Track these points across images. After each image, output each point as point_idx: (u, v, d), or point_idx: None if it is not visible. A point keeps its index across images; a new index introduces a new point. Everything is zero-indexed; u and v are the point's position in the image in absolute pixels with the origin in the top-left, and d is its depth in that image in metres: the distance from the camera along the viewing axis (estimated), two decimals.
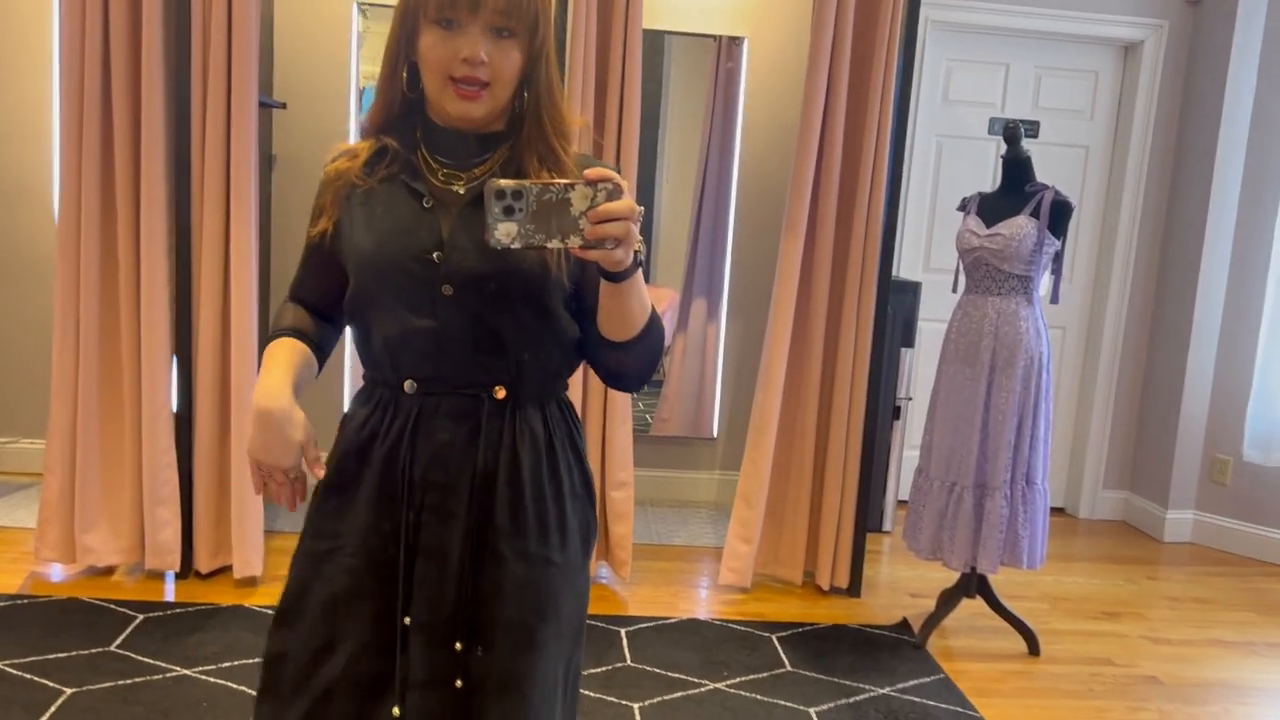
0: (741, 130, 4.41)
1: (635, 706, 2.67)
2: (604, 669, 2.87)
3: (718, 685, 2.83)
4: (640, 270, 1.18)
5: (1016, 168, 3.12)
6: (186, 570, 3.29)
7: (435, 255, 1.26)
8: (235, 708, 2.52)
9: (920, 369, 4.52)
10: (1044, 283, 3.14)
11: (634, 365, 1.30)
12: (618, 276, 1.15)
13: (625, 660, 2.94)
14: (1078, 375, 4.86)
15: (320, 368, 1.43)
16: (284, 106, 4.07)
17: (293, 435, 1.28)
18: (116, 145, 3.10)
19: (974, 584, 3.23)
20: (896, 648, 3.17)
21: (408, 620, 1.29)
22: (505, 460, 1.30)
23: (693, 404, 4.58)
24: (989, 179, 4.58)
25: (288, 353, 1.35)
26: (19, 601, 3.04)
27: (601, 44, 3.30)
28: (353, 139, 4.11)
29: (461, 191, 1.29)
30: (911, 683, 2.93)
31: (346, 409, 1.41)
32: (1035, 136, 4.60)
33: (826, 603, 3.50)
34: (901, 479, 4.38)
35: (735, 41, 4.36)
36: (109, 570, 3.32)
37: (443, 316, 1.27)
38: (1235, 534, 4.47)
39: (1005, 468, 3.04)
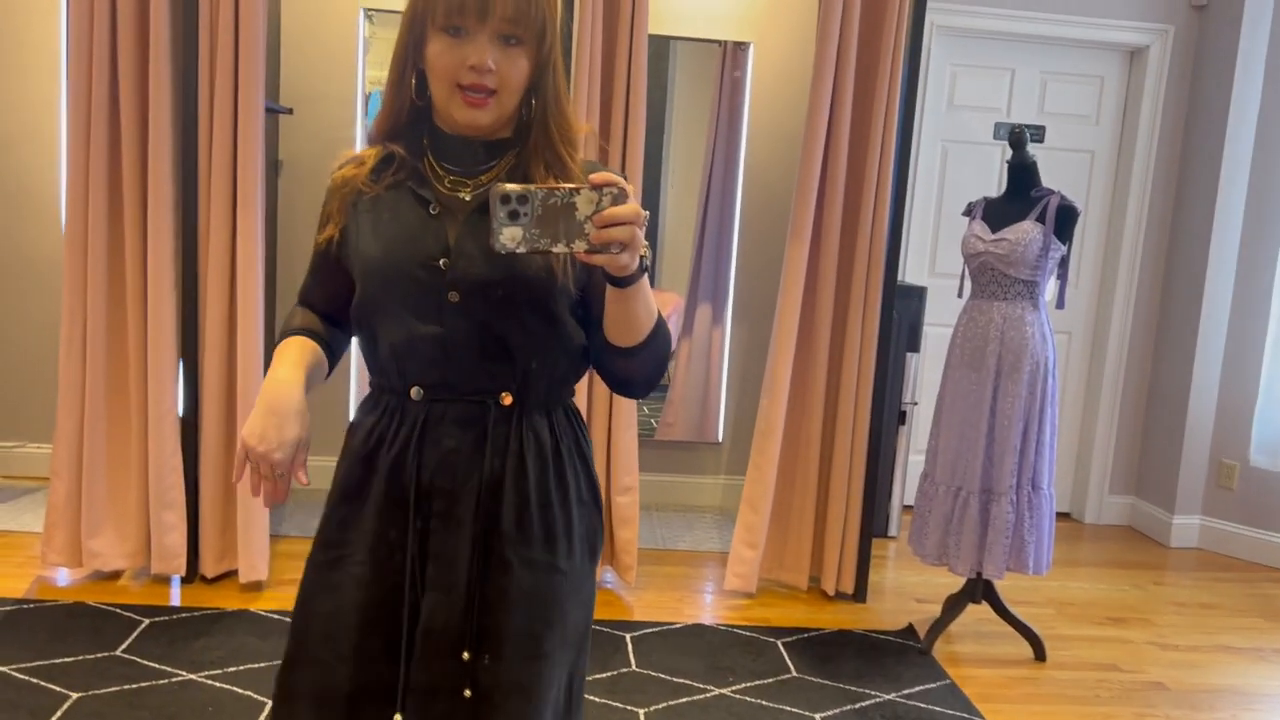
0: (747, 136, 4.42)
1: (640, 712, 2.67)
2: (609, 674, 2.87)
3: (723, 691, 2.83)
4: (646, 275, 1.18)
5: (1022, 173, 3.12)
6: (192, 575, 3.29)
7: (442, 262, 1.26)
8: (241, 712, 2.53)
9: (925, 374, 4.51)
10: (1050, 288, 3.13)
11: (640, 371, 1.30)
12: (623, 282, 1.15)
13: (630, 665, 2.94)
14: (1083, 380, 4.85)
15: (330, 370, 1.42)
16: (290, 112, 4.08)
17: (292, 429, 1.26)
18: (123, 150, 3.11)
19: (980, 589, 3.23)
20: (902, 653, 3.16)
21: (416, 629, 1.29)
22: (512, 467, 1.30)
23: (698, 409, 4.58)
24: (994, 184, 4.58)
25: (298, 350, 1.34)
26: (25, 606, 3.04)
27: (607, 50, 3.31)
28: (359, 144, 4.13)
29: (468, 198, 1.29)
30: (917, 688, 2.92)
31: (353, 417, 1.41)
32: (1041, 141, 4.59)
33: (832, 608, 3.50)
34: (907, 484, 4.38)
35: (741, 47, 4.37)
36: (115, 575, 3.32)
37: (449, 323, 1.27)
38: (1242, 539, 4.46)
39: (1011, 473, 3.03)
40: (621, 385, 1.35)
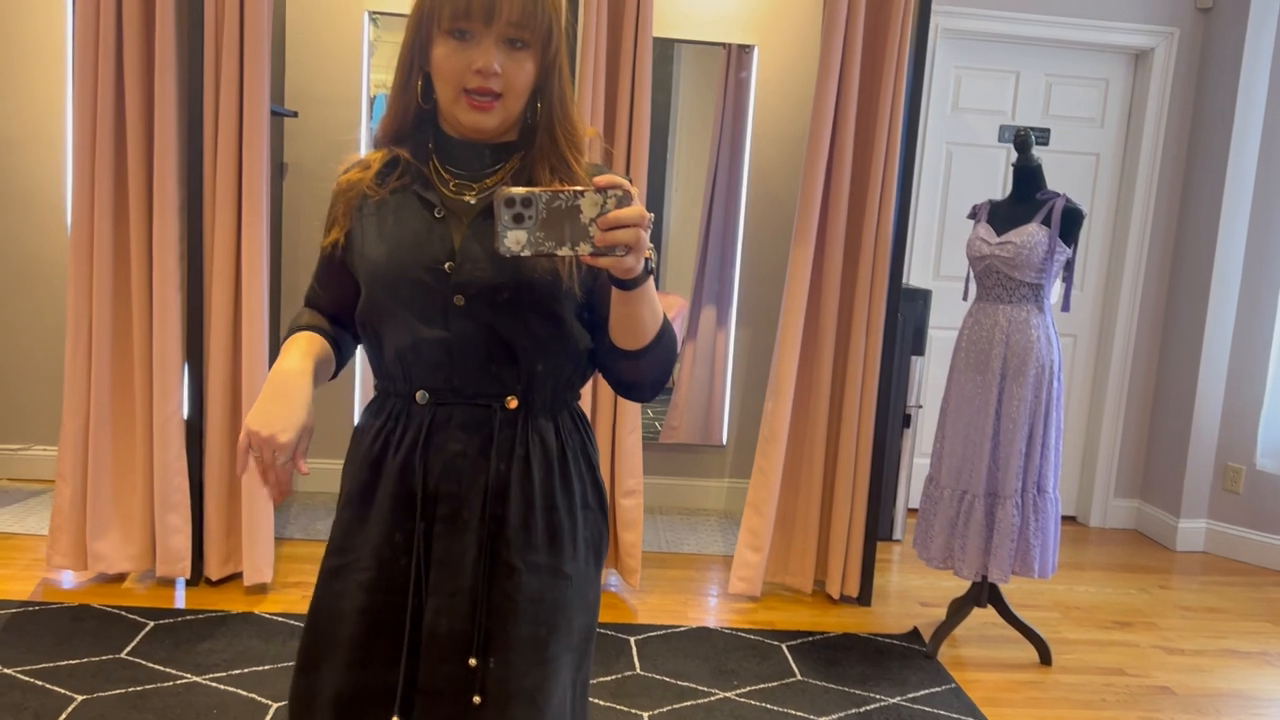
0: (751, 138, 4.41)
1: (645, 715, 2.67)
2: (613, 677, 2.87)
3: (727, 694, 2.82)
4: (651, 278, 1.18)
5: (1027, 175, 3.12)
6: (197, 577, 3.30)
7: (447, 265, 1.26)
8: (245, 715, 2.53)
9: (930, 377, 4.51)
10: (1055, 290, 3.13)
11: (646, 374, 1.30)
12: (629, 284, 1.15)
13: (635, 669, 2.94)
14: (1089, 383, 4.84)
15: (337, 371, 1.42)
16: (295, 115, 4.09)
17: (298, 413, 1.24)
18: (129, 153, 3.11)
19: (985, 593, 3.22)
20: (907, 657, 3.15)
21: (420, 634, 1.29)
22: (517, 471, 1.30)
23: (702, 412, 4.57)
24: (999, 187, 4.57)
25: (305, 343, 1.34)
26: (30, 608, 3.05)
27: (612, 52, 3.31)
28: (364, 147, 4.13)
29: (473, 201, 1.29)
30: (922, 692, 2.92)
31: (358, 421, 1.41)
32: (1045, 144, 4.59)
33: (837, 611, 3.49)
34: (912, 487, 4.37)
35: (745, 50, 4.37)
36: (120, 577, 3.32)
37: (454, 327, 1.27)
38: (1248, 543, 4.44)
39: (1016, 476, 3.02)
40: (627, 389, 1.35)
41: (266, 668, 2.77)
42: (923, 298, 4.22)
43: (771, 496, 3.48)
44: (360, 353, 1.47)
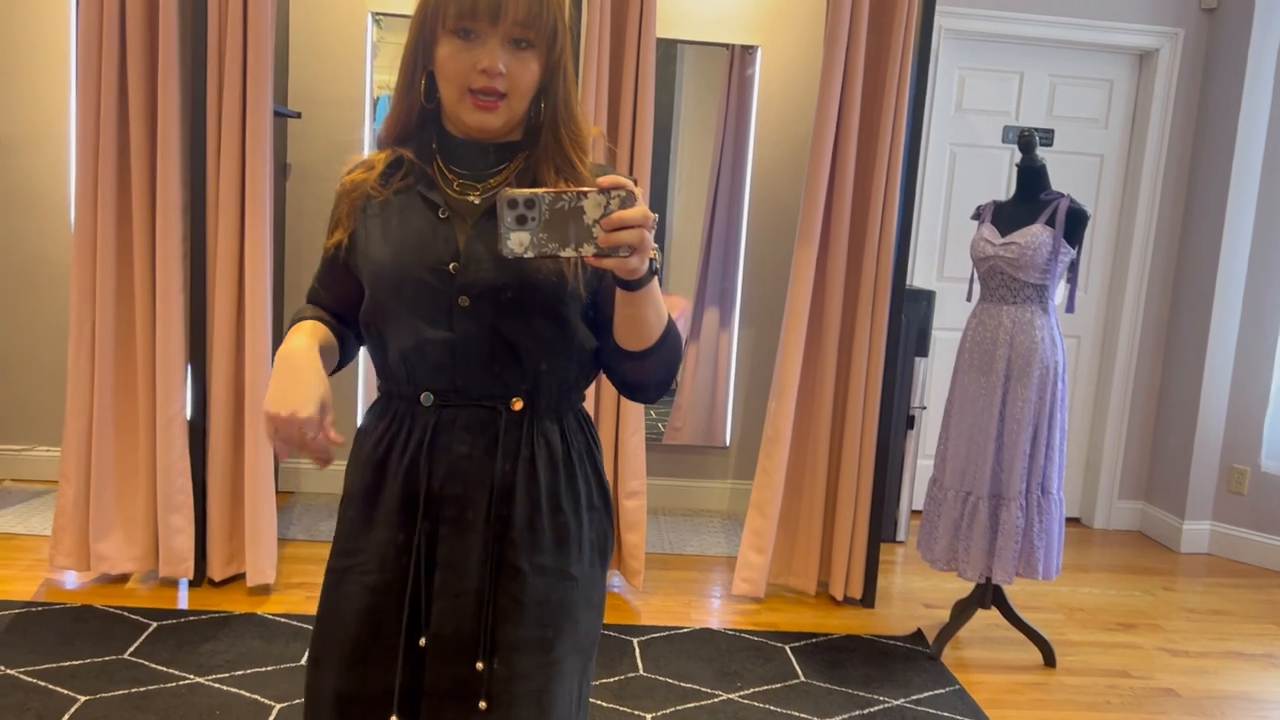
0: (754, 139, 4.41)
1: (648, 717, 2.66)
2: (616, 679, 2.86)
3: (731, 696, 2.82)
4: (656, 279, 1.17)
5: (1031, 176, 3.11)
6: (200, 578, 3.30)
7: (452, 266, 1.25)
8: (248, 716, 2.52)
9: (934, 378, 4.50)
10: (1059, 291, 3.12)
11: (651, 375, 1.29)
12: (633, 285, 1.14)
13: (638, 670, 2.93)
14: (1093, 384, 4.83)
15: (341, 365, 1.41)
16: (299, 116, 4.09)
17: (311, 385, 1.23)
18: (133, 154, 3.12)
19: (989, 595, 3.21)
20: (911, 659, 3.15)
21: (421, 640, 1.29)
22: (522, 473, 1.29)
23: (705, 413, 4.57)
24: (1003, 187, 4.57)
25: (310, 328, 1.33)
26: (33, 609, 3.05)
27: (615, 53, 3.31)
28: (367, 148, 4.13)
29: (477, 202, 1.29)
30: (926, 694, 2.91)
31: (360, 422, 1.40)
32: (1050, 145, 4.56)
33: (840, 613, 3.49)
34: (915, 489, 4.36)
35: (748, 50, 4.36)
36: (123, 578, 3.33)
37: (459, 328, 1.26)
38: (1253, 545, 4.43)
39: (1020, 477, 3.02)
40: (632, 390, 1.34)
41: (269, 669, 2.77)
42: (926, 299, 4.22)
43: (775, 498, 3.47)
44: (362, 353, 1.46)
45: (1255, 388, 4.41)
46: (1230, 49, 4.39)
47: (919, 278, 4.56)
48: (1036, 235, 2.99)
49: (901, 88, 3.33)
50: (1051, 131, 4.58)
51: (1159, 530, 4.68)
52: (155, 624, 3.00)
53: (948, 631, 3.21)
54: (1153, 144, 4.56)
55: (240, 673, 2.74)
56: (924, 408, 4.32)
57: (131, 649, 2.83)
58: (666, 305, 1.24)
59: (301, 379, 1.23)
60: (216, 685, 2.66)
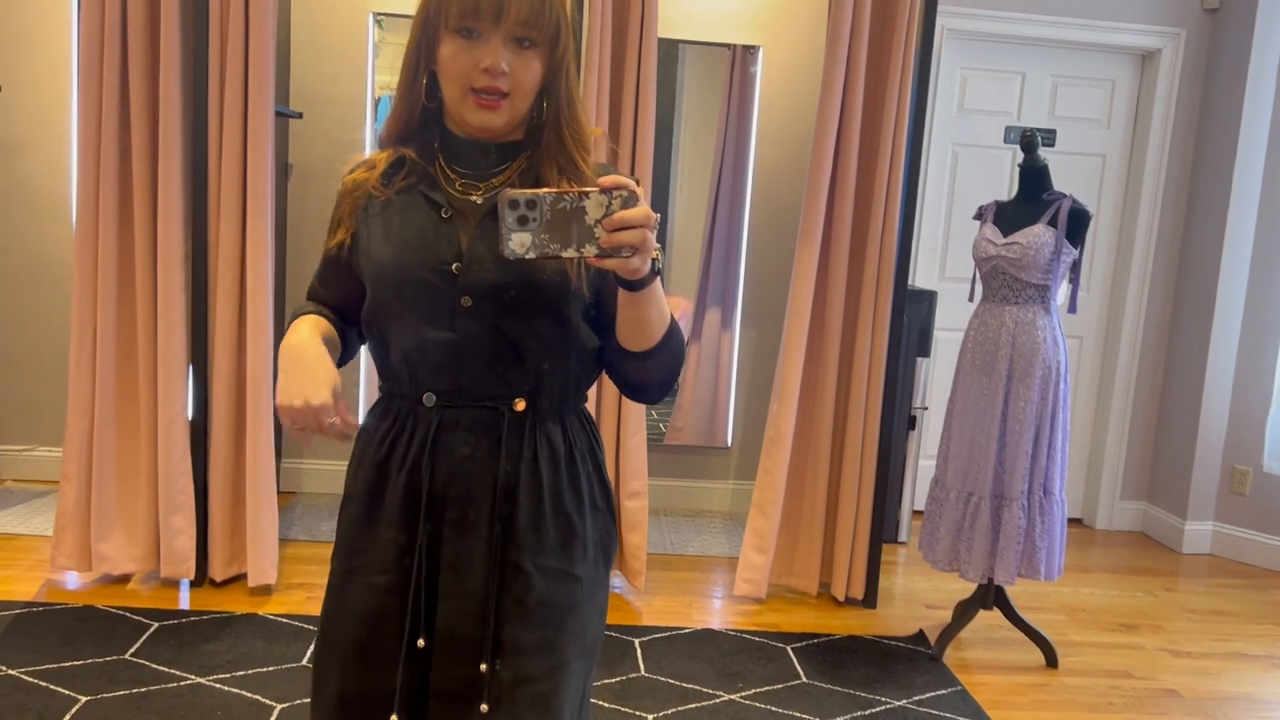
0: (756, 139, 4.41)
1: (649, 718, 2.66)
2: (618, 680, 2.86)
3: (732, 696, 2.81)
4: (659, 279, 1.17)
5: (1034, 176, 3.11)
6: (201, 578, 3.30)
7: (454, 266, 1.25)
8: (249, 716, 2.52)
9: (936, 378, 4.50)
10: (1061, 292, 3.12)
11: (654, 376, 1.29)
12: (635, 285, 1.14)
13: (639, 671, 2.93)
14: (1095, 385, 4.82)
15: (342, 361, 1.40)
16: (300, 116, 4.09)
17: (319, 371, 1.23)
18: (134, 155, 3.11)
19: (991, 595, 3.21)
20: (913, 659, 3.14)
21: (420, 641, 1.28)
22: (525, 473, 1.29)
23: (707, 413, 4.57)
24: (1004, 188, 4.56)
25: (312, 321, 1.33)
26: (35, 609, 3.05)
27: (616, 53, 3.30)
28: (369, 148, 4.13)
29: (479, 201, 1.28)
30: (928, 695, 2.91)
31: (362, 422, 1.40)
32: (1052, 145, 4.57)
33: (842, 614, 3.48)
34: (917, 489, 4.36)
35: (750, 50, 4.36)
36: (124, 578, 3.32)
37: (461, 328, 1.26)
38: (1255, 546, 4.43)
39: (1023, 478, 3.01)
40: (634, 390, 1.33)
41: (270, 669, 2.77)
42: (928, 299, 4.21)
43: (776, 498, 3.47)
44: (364, 354, 1.46)
45: (1257, 388, 4.40)
46: (1232, 49, 4.38)
47: (921, 278, 4.56)
48: (1039, 235, 2.98)
49: (903, 88, 3.33)
50: (1053, 132, 4.59)
51: (1161, 531, 4.68)
52: (156, 624, 3.00)
53: (950, 632, 3.21)
54: (1155, 144, 4.55)
55: (241, 673, 2.73)
56: (925, 408, 4.31)
57: (133, 649, 2.83)
58: (668, 305, 1.24)
59: (309, 367, 1.23)
60: (218, 686, 2.66)
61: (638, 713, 2.68)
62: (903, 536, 4.32)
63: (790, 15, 4.34)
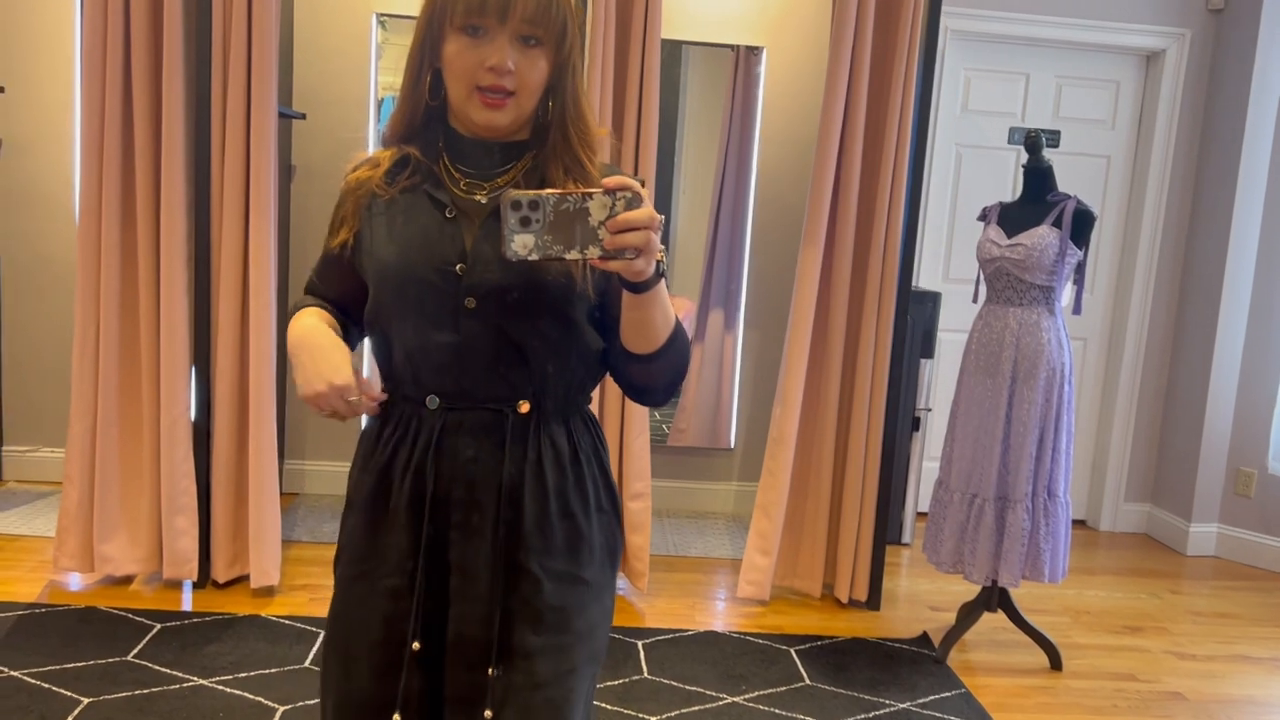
0: (759, 140, 4.40)
1: None
2: (620, 682, 2.85)
3: (735, 699, 2.80)
4: (663, 281, 1.16)
5: (1038, 177, 3.10)
6: (204, 580, 3.29)
7: (459, 267, 1.24)
8: (251, 718, 2.52)
9: (940, 380, 4.49)
10: (1066, 293, 3.11)
11: (658, 379, 1.27)
12: (639, 287, 1.13)
13: (642, 673, 2.92)
14: (1099, 386, 4.81)
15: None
16: (303, 117, 4.09)
17: (334, 354, 1.24)
18: (137, 155, 3.11)
19: (995, 597, 3.20)
20: (917, 662, 3.13)
21: (415, 645, 1.28)
22: (530, 475, 1.28)
23: (710, 415, 4.56)
24: (1008, 189, 4.55)
25: (315, 313, 1.33)
26: (37, 610, 3.05)
27: (620, 54, 3.30)
28: (372, 149, 4.13)
29: (484, 201, 1.27)
30: (932, 697, 2.90)
31: (365, 424, 1.39)
32: (1056, 146, 4.56)
33: (845, 616, 3.47)
34: (921, 491, 4.35)
35: (754, 52, 4.35)
36: (127, 579, 3.32)
37: (465, 329, 1.25)
38: (1260, 548, 4.41)
39: (1027, 480, 3.00)
40: (639, 393, 1.32)
41: (273, 671, 2.76)
42: (932, 300, 4.21)
43: (780, 500, 3.46)
44: (367, 355, 1.45)
45: (1262, 389, 4.39)
46: (1237, 50, 4.37)
47: (924, 279, 4.55)
48: (1043, 237, 2.97)
49: (907, 89, 3.32)
50: (1058, 133, 4.58)
51: (1165, 533, 4.66)
52: (159, 626, 2.99)
53: (953, 634, 3.20)
54: (1159, 145, 4.54)
55: (244, 675, 2.73)
56: (929, 410, 4.30)
57: (135, 651, 2.82)
58: (673, 307, 1.23)
59: (325, 352, 1.24)
60: (220, 687, 2.66)
61: (641, 715, 2.67)
62: (906, 538, 4.31)
63: (794, 16, 4.33)
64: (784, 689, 2.88)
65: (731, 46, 4.35)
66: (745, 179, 4.43)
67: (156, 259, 3.16)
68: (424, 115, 1.29)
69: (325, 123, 4.17)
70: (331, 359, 1.23)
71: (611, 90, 3.29)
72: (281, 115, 3.49)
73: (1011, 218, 3.11)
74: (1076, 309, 3.11)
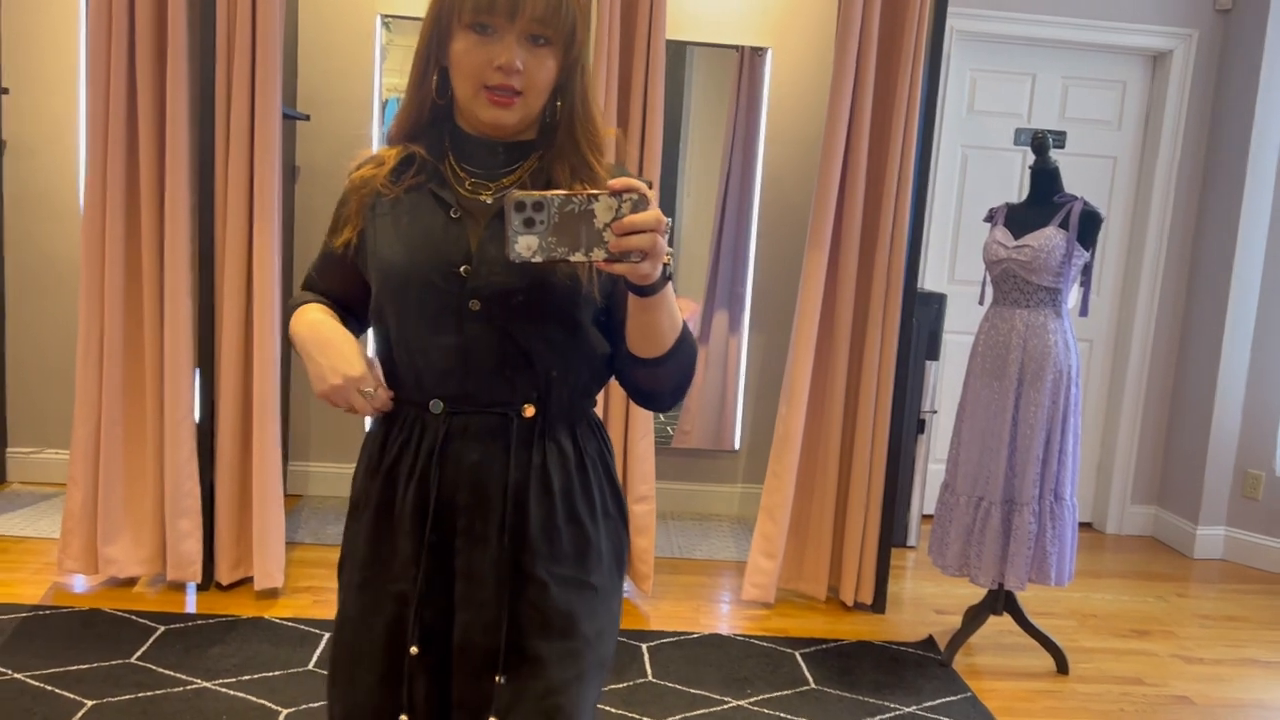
0: (764, 141, 4.39)
1: None
2: (625, 685, 2.84)
3: (740, 703, 2.79)
4: (670, 284, 1.14)
5: (1045, 178, 3.08)
6: (208, 582, 3.29)
7: (463, 269, 1.23)
8: None
9: (945, 382, 4.47)
10: (1072, 295, 3.09)
11: (664, 384, 1.26)
12: (646, 290, 1.11)
13: (646, 676, 2.91)
14: (1105, 388, 4.79)
15: None
16: (307, 118, 4.08)
17: (346, 347, 1.24)
18: (141, 157, 3.11)
19: (1001, 601, 3.18)
20: (922, 665, 3.12)
21: (414, 649, 1.27)
22: (535, 480, 1.26)
23: (714, 416, 4.55)
24: (1014, 190, 4.54)
25: (321, 308, 1.32)
26: (41, 612, 3.04)
27: (624, 54, 3.29)
28: (376, 150, 4.12)
29: (489, 201, 1.25)
30: (937, 701, 2.88)
31: (369, 427, 1.38)
32: (1062, 147, 4.55)
33: (850, 619, 3.46)
34: (926, 493, 4.33)
35: (758, 52, 4.34)
36: (131, 581, 3.32)
37: (469, 332, 1.23)
38: (1268, 551, 4.39)
39: (1034, 483, 2.99)
40: (645, 398, 1.30)
41: (276, 673, 2.76)
42: (938, 302, 4.19)
43: (785, 502, 3.45)
44: (371, 355, 1.44)
45: (1270, 391, 4.37)
46: (1245, 50, 4.35)
47: (930, 281, 4.54)
48: (1050, 238, 2.96)
49: (913, 89, 3.31)
50: (1064, 134, 4.57)
51: (1172, 535, 4.64)
52: (163, 628, 2.99)
53: (959, 638, 3.18)
54: (1166, 146, 4.52)
55: (247, 677, 2.72)
56: (935, 412, 4.29)
57: (139, 653, 2.82)
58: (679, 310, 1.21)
59: (336, 346, 1.24)
60: (224, 690, 2.65)
61: (645, 718, 2.66)
62: (912, 541, 4.29)
63: (799, 17, 4.32)
64: (789, 692, 2.87)
65: (736, 47, 4.34)
66: (750, 180, 4.42)
67: (161, 260, 3.16)
68: (430, 113, 1.28)
69: (329, 124, 4.17)
70: (343, 351, 1.23)
71: (616, 91, 3.28)
72: (286, 116, 3.49)
73: (1018, 219, 3.09)
74: (1083, 311, 3.10)
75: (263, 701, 2.60)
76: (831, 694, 2.88)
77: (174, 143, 3.09)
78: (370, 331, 1.36)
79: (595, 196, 1.04)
